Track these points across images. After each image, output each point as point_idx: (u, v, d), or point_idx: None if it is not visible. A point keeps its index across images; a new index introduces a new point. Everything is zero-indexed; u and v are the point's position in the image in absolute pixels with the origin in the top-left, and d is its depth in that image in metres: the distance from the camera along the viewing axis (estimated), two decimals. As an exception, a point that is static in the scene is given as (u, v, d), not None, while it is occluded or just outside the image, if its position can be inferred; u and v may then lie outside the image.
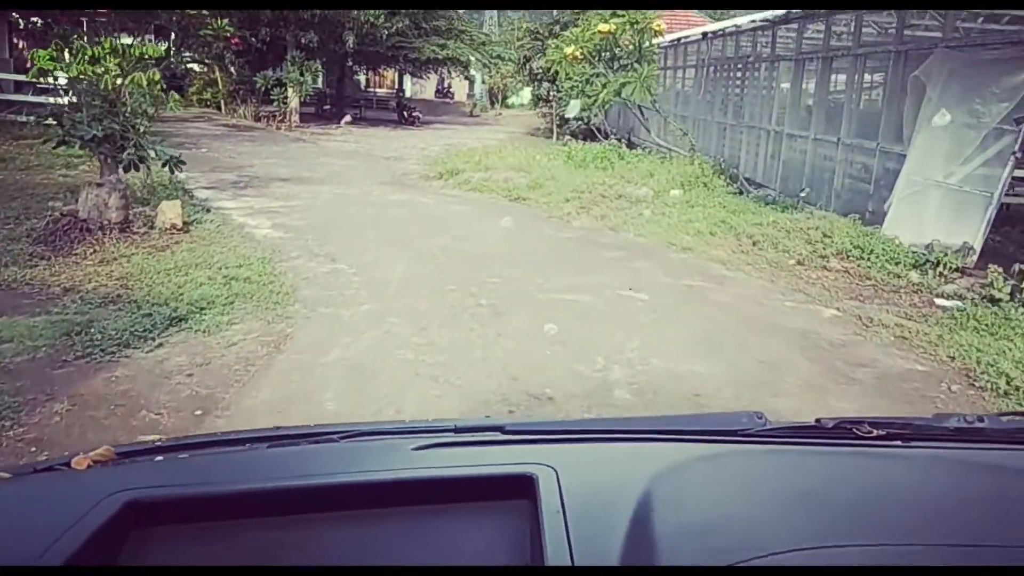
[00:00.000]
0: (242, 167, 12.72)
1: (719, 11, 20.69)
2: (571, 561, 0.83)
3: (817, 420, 1.19)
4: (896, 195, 7.95)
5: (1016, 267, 6.18)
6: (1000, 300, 5.86)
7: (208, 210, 8.54)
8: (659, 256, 7.61)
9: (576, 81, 13.90)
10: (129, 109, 7.06)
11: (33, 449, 3.21)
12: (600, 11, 13.62)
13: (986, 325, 5.41)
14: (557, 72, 14.49)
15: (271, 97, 21.67)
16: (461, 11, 25.02)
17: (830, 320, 5.66)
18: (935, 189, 7.68)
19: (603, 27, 12.90)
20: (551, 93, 20.25)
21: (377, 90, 33.78)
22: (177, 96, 7.97)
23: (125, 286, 5.45)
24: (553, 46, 15.31)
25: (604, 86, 12.97)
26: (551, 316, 5.28)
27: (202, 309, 4.98)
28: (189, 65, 22.73)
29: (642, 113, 14.64)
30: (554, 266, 6.87)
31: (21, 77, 12.95)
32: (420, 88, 36.52)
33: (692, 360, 4.60)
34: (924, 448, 1.16)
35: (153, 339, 4.45)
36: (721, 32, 14.02)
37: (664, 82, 16.88)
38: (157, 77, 7.07)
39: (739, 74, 13.34)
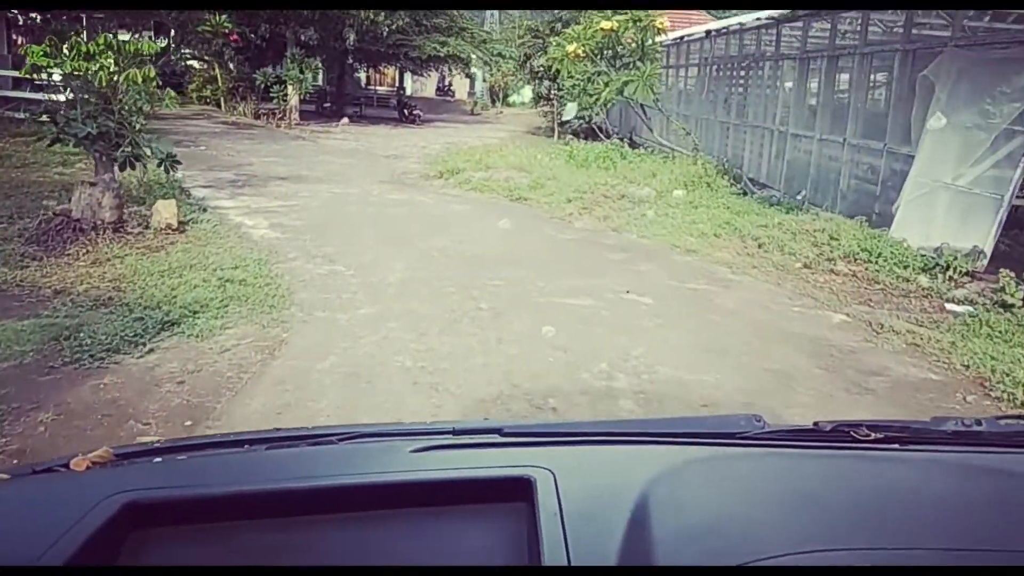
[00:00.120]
0: (240, 165, 12.60)
1: (721, 10, 20.54)
2: (568, 563, 0.83)
3: (815, 423, 1.19)
4: (904, 197, 7.82)
5: (1029, 271, 6.06)
6: (1013, 306, 5.73)
7: (205, 209, 8.41)
8: (663, 258, 7.48)
9: (578, 79, 13.73)
10: (124, 106, 6.93)
11: (15, 461, 3.08)
12: (601, 11, 13.49)
13: (1000, 332, 5.28)
14: (559, 71, 14.33)
15: (271, 95, 21.54)
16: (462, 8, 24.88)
17: (839, 326, 5.53)
18: (944, 191, 7.54)
19: (605, 24, 12.74)
20: (552, 92, 20.11)
21: (378, 88, 33.68)
22: (173, 93, 7.83)
23: (117, 288, 5.32)
24: (555, 44, 15.16)
25: (606, 84, 12.81)
26: (553, 320, 5.15)
27: (195, 313, 4.85)
28: (189, 62, 22.61)
29: (644, 112, 14.49)
30: (556, 268, 6.74)
31: (19, 73, 12.84)
32: (421, 86, 36.40)
33: (699, 368, 4.47)
34: (922, 451, 1.16)
35: (144, 344, 4.32)
36: (725, 30, 13.87)
37: (667, 81, 16.73)
38: (152, 74, 6.93)
39: (743, 73, 13.21)
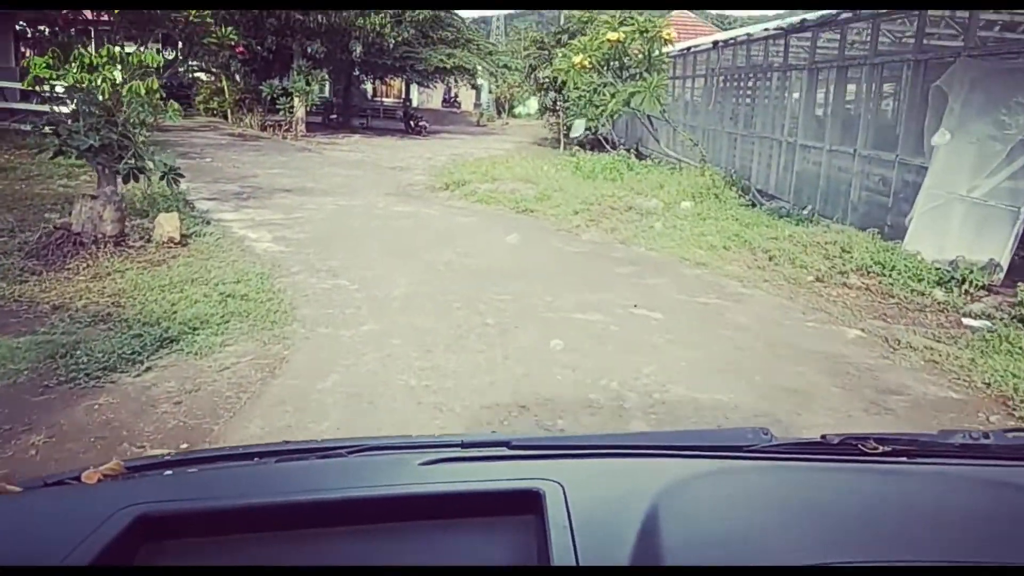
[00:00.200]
0: (245, 177, 12.54)
1: (726, 18, 20.49)
2: None
3: (823, 436, 1.19)
4: (917, 209, 7.67)
5: (1048, 286, 5.90)
6: (1032, 321, 5.58)
7: (208, 222, 8.33)
8: (672, 272, 7.35)
9: (584, 91, 13.65)
10: (128, 118, 6.86)
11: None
12: (607, 20, 13.42)
13: (1020, 348, 5.12)
14: (565, 82, 14.26)
15: (277, 106, 21.54)
16: (468, 21, 24.96)
17: (855, 341, 5.39)
18: (958, 203, 7.40)
19: (612, 35, 12.68)
20: (558, 103, 20.06)
21: (384, 99, 33.72)
22: (177, 105, 7.76)
23: (117, 304, 5.22)
24: (561, 55, 15.11)
25: (613, 96, 12.73)
26: (561, 336, 5.03)
27: (195, 329, 4.74)
28: (196, 74, 22.65)
29: (651, 123, 14.40)
30: (563, 282, 6.62)
31: (22, 86, 12.84)
32: (427, 97, 36.49)
33: (713, 387, 4.33)
34: (930, 464, 1.16)
35: (142, 362, 4.21)
36: (732, 41, 13.80)
37: (673, 92, 16.65)
38: (156, 85, 6.88)
39: (750, 84, 13.11)
